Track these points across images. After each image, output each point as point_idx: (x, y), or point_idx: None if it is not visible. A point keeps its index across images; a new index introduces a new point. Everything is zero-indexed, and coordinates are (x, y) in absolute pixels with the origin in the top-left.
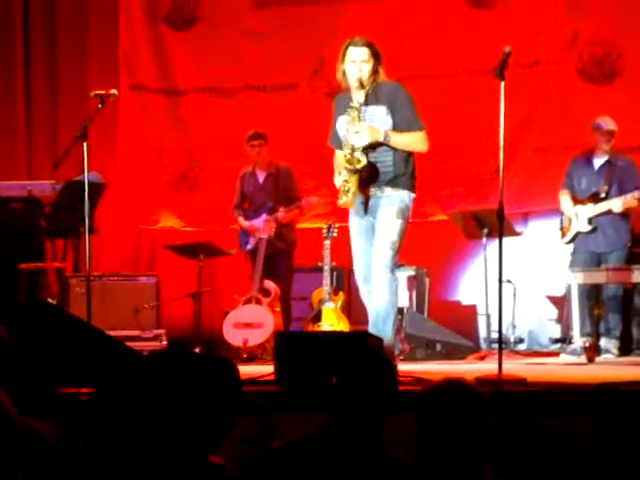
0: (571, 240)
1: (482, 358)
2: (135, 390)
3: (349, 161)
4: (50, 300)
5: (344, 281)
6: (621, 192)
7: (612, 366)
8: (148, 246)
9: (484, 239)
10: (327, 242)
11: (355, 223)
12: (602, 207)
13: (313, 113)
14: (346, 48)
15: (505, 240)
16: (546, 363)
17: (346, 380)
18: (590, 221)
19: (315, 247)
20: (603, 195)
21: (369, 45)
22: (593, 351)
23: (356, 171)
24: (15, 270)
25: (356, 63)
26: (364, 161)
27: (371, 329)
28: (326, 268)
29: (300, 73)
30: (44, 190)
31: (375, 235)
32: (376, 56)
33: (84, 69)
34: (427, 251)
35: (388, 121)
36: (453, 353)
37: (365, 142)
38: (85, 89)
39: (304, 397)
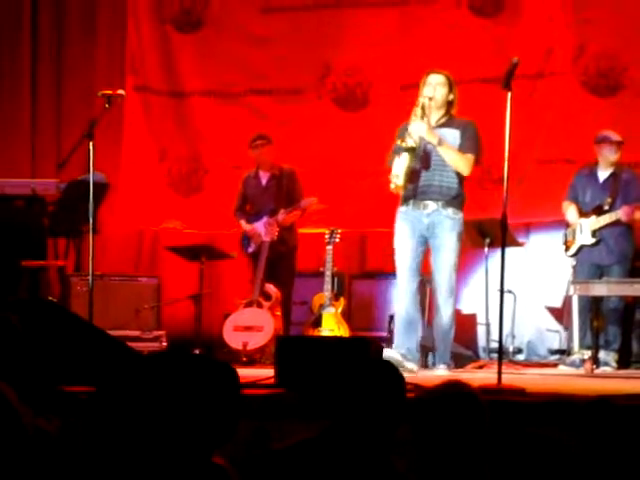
0: (575, 253)
1: (481, 367)
2: (135, 390)
3: (402, 141)
4: (51, 298)
5: (345, 287)
6: (623, 204)
7: (611, 379)
8: (150, 247)
9: (486, 249)
10: (329, 247)
11: (405, 224)
12: (606, 219)
13: (319, 118)
14: (426, 76)
15: (507, 250)
16: (545, 374)
17: (349, 386)
18: (594, 234)
19: (317, 252)
20: (607, 207)
21: (447, 75)
22: (592, 363)
23: (407, 149)
24: (17, 267)
25: (432, 85)
26: (414, 144)
27: (437, 339)
28: (327, 273)
29: (306, 78)
30: (48, 189)
31: (439, 257)
32: (452, 87)
33: (90, 69)
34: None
35: (458, 140)
36: (452, 361)
37: (421, 131)
38: (90, 89)
39: (304, 401)
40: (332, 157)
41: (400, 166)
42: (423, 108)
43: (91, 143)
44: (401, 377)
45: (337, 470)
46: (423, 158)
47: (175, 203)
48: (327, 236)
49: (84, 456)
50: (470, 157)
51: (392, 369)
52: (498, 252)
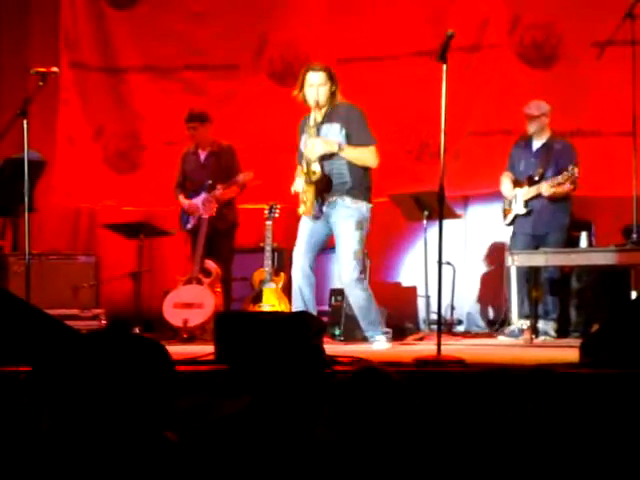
0: (511, 222)
1: (421, 339)
2: (70, 369)
3: (306, 173)
4: None
5: (285, 262)
6: (555, 174)
7: (550, 348)
8: (87, 225)
9: (424, 221)
10: (269, 223)
11: (307, 224)
12: (533, 191)
13: (255, 94)
14: (305, 73)
15: (445, 222)
16: (485, 344)
17: (266, 360)
18: (526, 204)
19: (257, 227)
20: (537, 178)
21: (326, 70)
22: (531, 333)
23: (312, 182)
24: None
25: (314, 87)
26: (319, 173)
27: (360, 319)
28: (267, 249)
29: (242, 54)
30: None
31: (338, 247)
32: (332, 79)
33: (24, 46)
34: (368, 233)
35: (342, 133)
36: (393, 334)
37: (319, 153)
38: (25, 66)
39: (243, 377)
40: (269, 132)
41: (309, 194)
42: (314, 127)
43: (25, 121)
44: (321, 353)
45: (262, 443)
46: (327, 183)
47: (112, 180)
48: (266, 211)
49: (22, 436)
50: (372, 148)
51: (310, 345)
52: (436, 225)
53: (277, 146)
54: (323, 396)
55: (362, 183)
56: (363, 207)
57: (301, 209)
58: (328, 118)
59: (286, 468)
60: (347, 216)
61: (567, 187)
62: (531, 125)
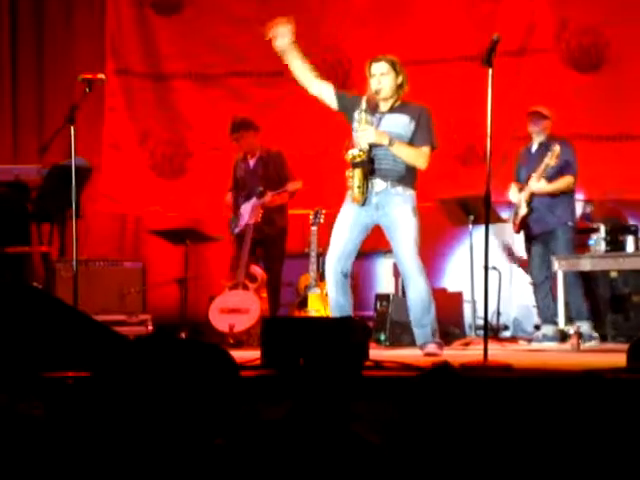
0: (519, 228)
1: (467, 344)
2: (131, 375)
3: (353, 157)
4: (35, 284)
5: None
6: (554, 171)
7: (597, 353)
8: (133, 231)
9: (470, 226)
10: (314, 228)
11: (350, 211)
12: (528, 189)
13: (299, 100)
14: (369, 65)
15: (491, 227)
16: (532, 350)
17: (309, 363)
18: (527, 204)
19: (302, 233)
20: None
21: (388, 60)
22: (579, 338)
23: (356, 165)
24: (1, 254)
25: (375, 76)
26: (364, 156)
27: (414, 319)
28: (312, 254)
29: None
30: (30, 174)
31: (396, 233)
32: (396, 70)
33: (71, 53)
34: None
35: (411, 127)
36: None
37: (369, 137)
38: (71, 73)
39: (290, 382)
40: (314, 138)
41: (356, 178)
42: (369, 101)
43: (72, 128)
44: (363, 353)
45: (300, 449)
46: (372, 166)
47: (158, 186)
48: (312, 217)
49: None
50: (425, 151)
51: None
52: (482, 229)
53: (322, 152)
54: (356, 395)
55: (413, 174)
56: (414, 195)
57: (349, 196)
58: (397, 110)
59: (327, 469)
60: (402, 202)
61: (564, 182)
62: (533, 126)
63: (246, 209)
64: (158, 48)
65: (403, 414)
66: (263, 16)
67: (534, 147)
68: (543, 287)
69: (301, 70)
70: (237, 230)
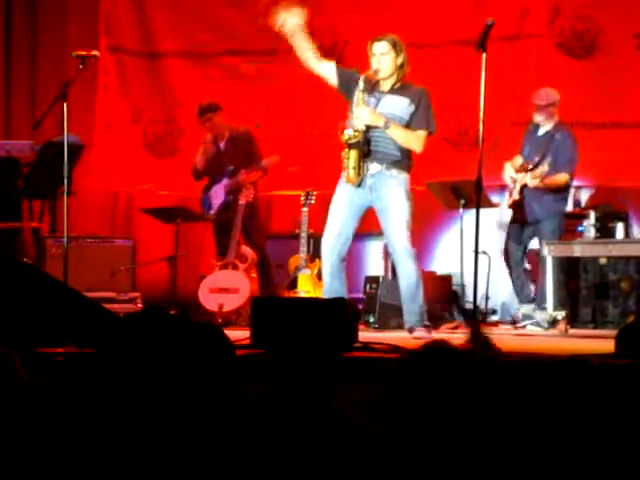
0: (511, 205)
1: (456, 328)
2: (136, 352)
3: (348, 137)
4: (26, 260)
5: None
6: (552, 165)
7: (585, 339)
8: (124, 209)
9: (461, 210)
10: (305, 209)
11: (345, 192)
12: (524, 179)
13: (293, 79)
14: (370, 45)
15: (481, 211)
16: (519, 334)
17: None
18: (521, 190)
19: (293, 214)
20: (531, 167)
21: (389, 39)
22: (567, 323)
23: (352, 145)
24: None
25: (376, 55)
26: (360, 137)
27: (404, 302)
28: (303, 235)
29: (280, 39)
30: (23, 150)
31: (389, 216)
32: (397, 49)
33: (65, 29)
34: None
35: (410, 110)
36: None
37: (365, 118)
38: (65, 50)
39: (279, 362)
40: (307, 119)
41: (351, 159)
42: (367, 80)
43: (65, 104)
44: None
45: (286, 422)
46: (367, 147)
47: (150, 164)
48: (302, 198)
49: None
50: (421, 134)
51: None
52: (472, 213)
53: (314, 132)
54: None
55: (408, 157)
56: (408, 179)
57: (344, 177)
58: (397, 91)
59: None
60: (396, 185)
61: (559, 179)
62: (537, 114)
63: (216, 191)
64: (152, 26)
65: (396, 393)
66: None
67: (541, 131)
68: (516, 268)
69: (307, 51)
70: (212, 212)
